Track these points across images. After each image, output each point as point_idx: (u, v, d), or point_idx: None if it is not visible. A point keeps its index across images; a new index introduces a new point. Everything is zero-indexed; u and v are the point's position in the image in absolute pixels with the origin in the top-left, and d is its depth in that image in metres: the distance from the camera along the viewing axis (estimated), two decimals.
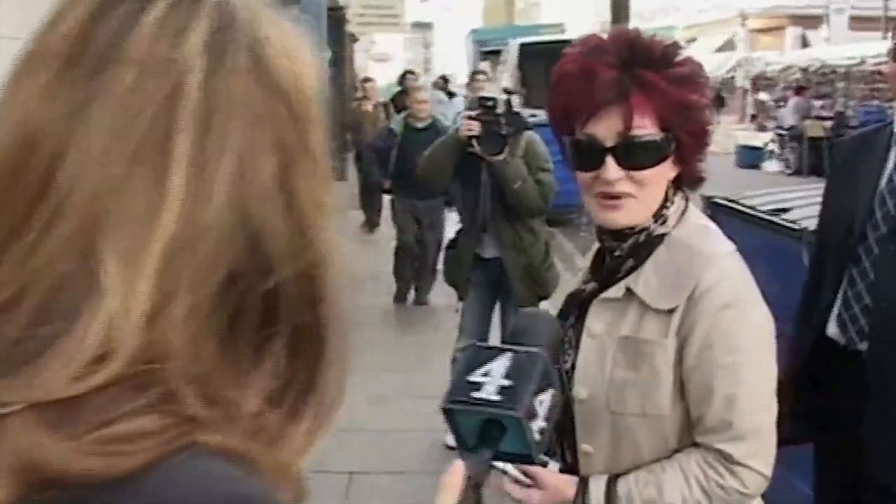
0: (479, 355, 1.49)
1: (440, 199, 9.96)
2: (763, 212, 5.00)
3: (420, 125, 9.98)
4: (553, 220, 7.90)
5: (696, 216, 2.36)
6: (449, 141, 6.53)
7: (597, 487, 2.25)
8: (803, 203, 4.92)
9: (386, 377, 7.64)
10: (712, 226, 2.38)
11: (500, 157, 6.18)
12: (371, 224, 14.92)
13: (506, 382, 1.43)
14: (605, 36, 2.32)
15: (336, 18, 20.80)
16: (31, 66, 0.86)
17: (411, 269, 10.67)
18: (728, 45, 41.28)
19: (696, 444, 2.24)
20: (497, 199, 6.29)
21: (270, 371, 0.89)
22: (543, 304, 6.63)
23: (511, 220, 6.35)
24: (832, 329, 3.40)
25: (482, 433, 1.41)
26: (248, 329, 0.88)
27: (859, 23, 38.00)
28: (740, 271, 2.27)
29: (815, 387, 3.47)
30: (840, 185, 3.54)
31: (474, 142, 6.20)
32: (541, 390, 1.43)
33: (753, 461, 2.21)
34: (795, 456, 3.61)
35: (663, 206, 2.28)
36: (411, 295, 10.83)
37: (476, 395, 1.43)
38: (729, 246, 2.30)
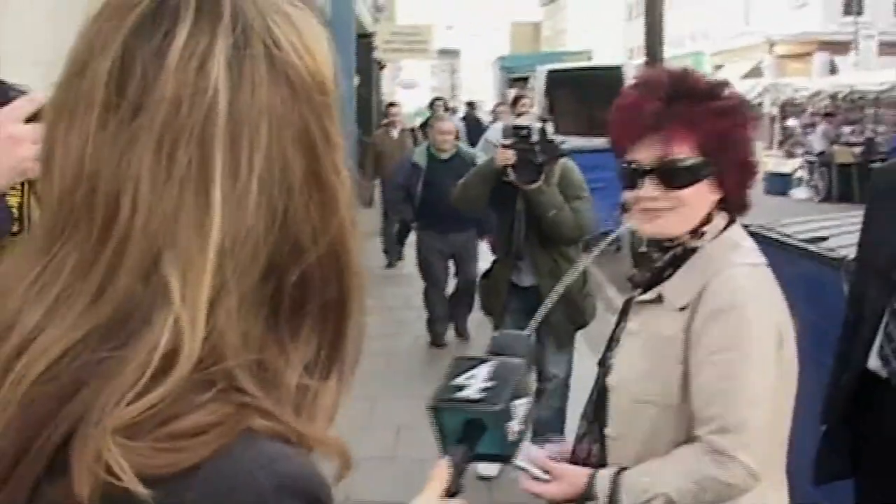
0: (464, 364, 1.66)
1: (472, 231, 9.69)
2: (800, 240, 4.98)
3: (444, 156, 9.85)
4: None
5: (736, 234, 2.56)
6: (484, 169, 6.56)
7: (603, 477, 2.44)
8: (840, 231, 4.91)
9: (416, 406, 7.61)
10: (747, 243, 2.56)
11: (535, 185, 6.18)
12: (391, 260, 14.64)
13: (487, 384, 1.59)
14: (658, 73, 2.64)
15: (364, 45, 20.92)
16: (72, 113, 0.94)
17: (445, 308, 10.18)
18: (755, 72, 41.15)
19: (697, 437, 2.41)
20: (533, 227, 6.28)
21: (305, 343, 0.98)
22: (580, 333, 6.61)
23: (548, 249, 6.33)
24: (873, 362, 3.33)
25: (464, 432, 1.55)
26: (286, 309, 0.97)
27: (888, 48, 37.94)
28: (749, 278, 2.47)
29: (856, 421, 3.44)
30: (881, 213, 3.48)
31: (509, 170, 6.21)
32: (518, 396, 1.59)
33: (740, 453, 2.33)
34: (834, 489, 3.58)
35: (703, 223, 2.52)
36: (449, 333, 10.32)
37: (460, 394, 1.59)
38: (750, 258, 2.53)
